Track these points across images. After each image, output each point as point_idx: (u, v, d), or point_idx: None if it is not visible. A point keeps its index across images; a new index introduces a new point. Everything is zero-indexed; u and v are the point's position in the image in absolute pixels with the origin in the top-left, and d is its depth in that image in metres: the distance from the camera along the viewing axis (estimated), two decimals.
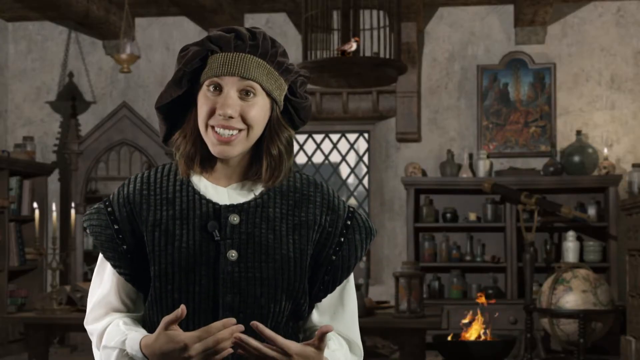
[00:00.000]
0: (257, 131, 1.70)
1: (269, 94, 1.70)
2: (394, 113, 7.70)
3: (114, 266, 1.72)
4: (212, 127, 1.67)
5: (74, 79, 8.15)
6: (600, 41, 7.58)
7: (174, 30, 8.04)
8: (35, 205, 5.47)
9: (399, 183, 7.57)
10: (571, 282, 5.95)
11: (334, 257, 1.73)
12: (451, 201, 7.58)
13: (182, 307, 1.56)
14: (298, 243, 1.70)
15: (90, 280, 8.21)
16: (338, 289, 1.75)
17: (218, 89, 1.67)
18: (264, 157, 1.71)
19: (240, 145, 1.68)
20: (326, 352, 1.66)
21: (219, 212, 1.68)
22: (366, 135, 7.98)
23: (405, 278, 4.85)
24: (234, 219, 1.68)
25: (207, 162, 1.72)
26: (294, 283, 1.68)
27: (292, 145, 1.76)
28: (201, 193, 1.71)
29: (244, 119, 1.66)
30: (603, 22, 7.59)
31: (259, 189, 1.73)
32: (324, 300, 1.75)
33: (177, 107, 1.74)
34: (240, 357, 1.62)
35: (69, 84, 8.14)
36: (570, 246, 7.12)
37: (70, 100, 7.97)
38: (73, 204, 5.60)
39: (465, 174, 7.44)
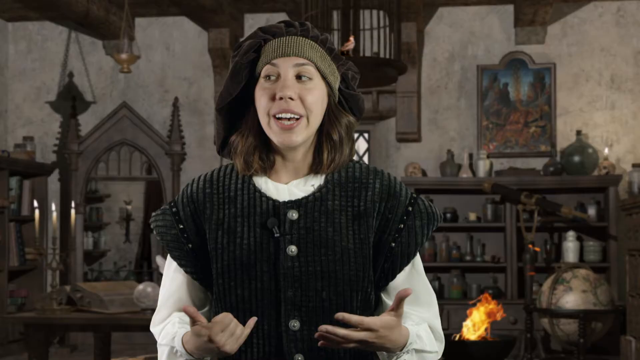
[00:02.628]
0: (317, 117, 1.70)
1: (324, 78, 1.71)
2: (394, 113, 7.70)
3: (180, 265, 1.75)
4: (274, 117, 1.68)
5: (74, 79, 8.15)
6: (600, 41, 7.58)
7: (174, 30, 8.04)
8: (35, 205, 5.46)
9: None
10: (571, 282, 5.95)
11: (393, 244, 1.72)
12: (451, 201, 7.58)
13: (186, 307, 1.58)
14: (358, 233, 1.69)
15: (89, 280, 8.26)
16: (404, 274, 1.73)
17: (274, 77, 1.69)
18: (324, 142, 1.72)
19: (303, 133, 1.68)
20: (408, 325, 1.67)
21: (278, 208, 1.69)
22: (366, 135, 7.98)
23: None
24: (293, 214, 1.69)
25: (266, 159, 1.73)
26: (356, 274, 1.68)
27: (352, 132, 1.77)
28: (262, 191, 1.72)
29: (302, 104, 1.67)
30: (603, 22, 7.59)
31: (318, 183, 1.73)
32: (391, 285, 1.73)
33: (233, 111, 1.75)
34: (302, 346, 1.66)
35: (69, 84, 8.14)
36: (570, 246, 7.12)
37: (70, 100, 7.97)
38: (73, 204, 5.59)
39: (465, 174, 7.44)
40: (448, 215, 7.46)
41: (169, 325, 1.74)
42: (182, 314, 1.75)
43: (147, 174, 8.05)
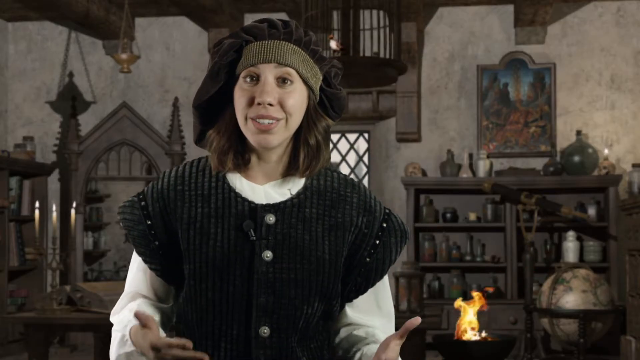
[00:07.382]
0: (296, 120, 1.66)
1: (305, 82, 1.68)
2: (394, 113, 7.70)
3: (145, 261, 1.72)
4: (252, 119, 1.64)
5: (74, 79, 8.15)
6: (600, 41, 7.58)
7: (174, 30, 8.04)
8: (35, 205, 5.46)
9: (399, 183, 7.57)
10: (571, 282, 5.95)
11: (368, 259, 1.71)
12: (451, 201, 7.58)
13: (146, 315, 1.56)
14: (334, 244, 1.68)
15: (89, 280, 8.26)
16: (372, 290, 1.74)
17: (255, 79, 1.65)
18: (301, 147, 1.68)
19: (280, 134, 1.65)
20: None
21: (255, 211, 1.65)
22: (366, 135, 7.98)
23: (405, 278, 4.85)
24: (270, 218, 1.65)
25: (241, 158, 1.69)
26: (327, 285, 1.67)
27: (329, 135, 1.74)
28: (237, 191, 1.68)
29: (282, 107, 1.64)
30: (603, 22, 7.59)
31: (295, 188, 1.70)
32: (357, 299, 1.74)
33: (212, 106, 1.72)
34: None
35: (69, 84, 8.14)
36: (570, 246, 7.12)
37: (70, 100, 7.97)
38: (73, 204, 5.59)
39: (465, 174, 7.44)
40: (448, 215, 7.46)
41: (126, 311, 1.70)
42: (142, 301, 1.72)
43: (147, 174, 8.05)
